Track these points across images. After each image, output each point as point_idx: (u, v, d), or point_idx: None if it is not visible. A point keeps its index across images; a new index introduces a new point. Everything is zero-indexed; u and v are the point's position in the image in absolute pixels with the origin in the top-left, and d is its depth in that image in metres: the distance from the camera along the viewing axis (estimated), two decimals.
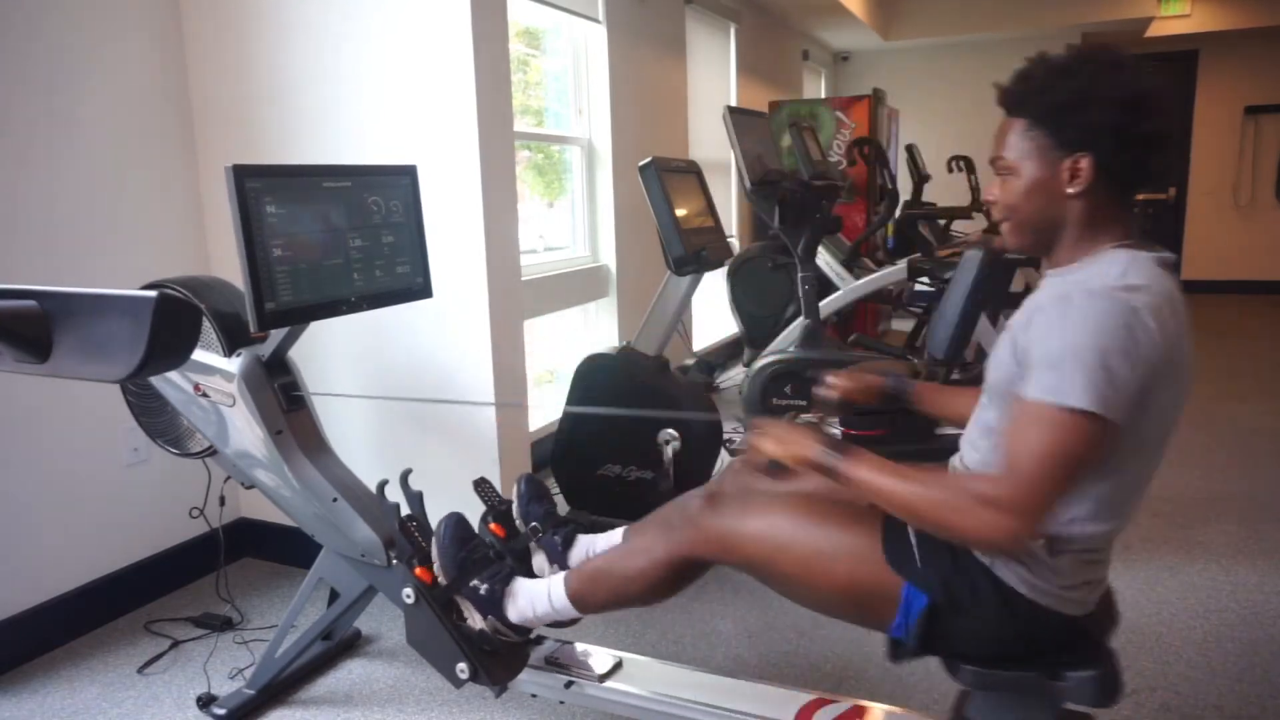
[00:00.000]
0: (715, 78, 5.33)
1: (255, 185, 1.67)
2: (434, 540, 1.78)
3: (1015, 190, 1.27)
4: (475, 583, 1.73)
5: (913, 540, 1.32)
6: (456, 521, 1.79)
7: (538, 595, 1.68)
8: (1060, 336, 1.12)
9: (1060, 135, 1.21)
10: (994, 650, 1.32)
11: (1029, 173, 1.25)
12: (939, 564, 1.29)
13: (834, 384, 1.63)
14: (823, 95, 7.95)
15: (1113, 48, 1.22)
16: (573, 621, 1.74)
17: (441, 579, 1.75)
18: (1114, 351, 1.09)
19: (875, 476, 1.23)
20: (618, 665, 1.85)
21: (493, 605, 1.70)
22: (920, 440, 2.53)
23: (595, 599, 1.62)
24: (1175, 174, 8.22)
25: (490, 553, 1.80)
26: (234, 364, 1.88)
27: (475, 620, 1.73)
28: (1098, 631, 1.36)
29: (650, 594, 1.58)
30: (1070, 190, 1.22)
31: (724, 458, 2.93)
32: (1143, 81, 1.18)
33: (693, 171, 3.04)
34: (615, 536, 1.74)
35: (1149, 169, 1.21)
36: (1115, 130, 1.17)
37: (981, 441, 1.33)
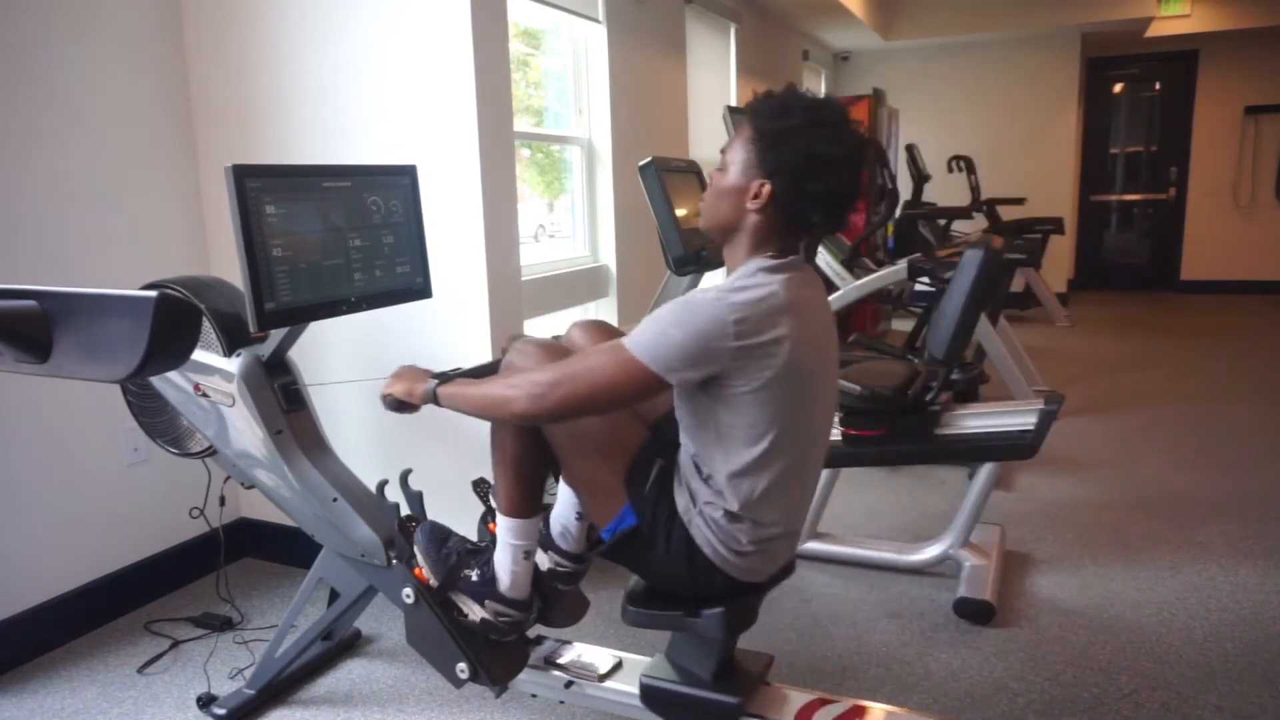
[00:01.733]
0: (715, 78, 5.33)
1: (255, 185, 1.67)
2: (415, 550, 1.79)
3: (719, 185, 1.46)
4: (465, 573, 1.75)
5: (654, 473, 1.50)
6: (431, 527, 1.82)
7: (499, 544, 1.72)
8: (660, 312, 1.35)
9: (760, 157, 1.40)
10: (667, 586, 1.55)
11: (732, 176, 1.44)
12: (659, 502, 1.49)
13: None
14: (823, 95, 7.95)
15: (838, 109, 1.41)
16: (540, 552, 1.77)
17: (434, 581, 1.77)
18: (684, 330, 1.31)
19: (464, 389, 1.50)
20: (618, 665, 1.85)
21: (487, 587, 1.72)
22: (920, 440, 2.53)
23: (505, 492, 1.69)
24: (1174, 174, 8.24)
25: (470, 545, 1.81)
26: (234, 364, 1.88)
27: (475, 612, 1.73)
28: (759, 587, 1.55)
29: (515, 456, 1.67)
30: (749, 205, 1.42)
31: None
32: (837, 149, 1.37)
33: (693, 171, 3.03)
34: (565, 490, 1.78)
35: (808, 219, 1.42)
36: (794, 177, 1.37)
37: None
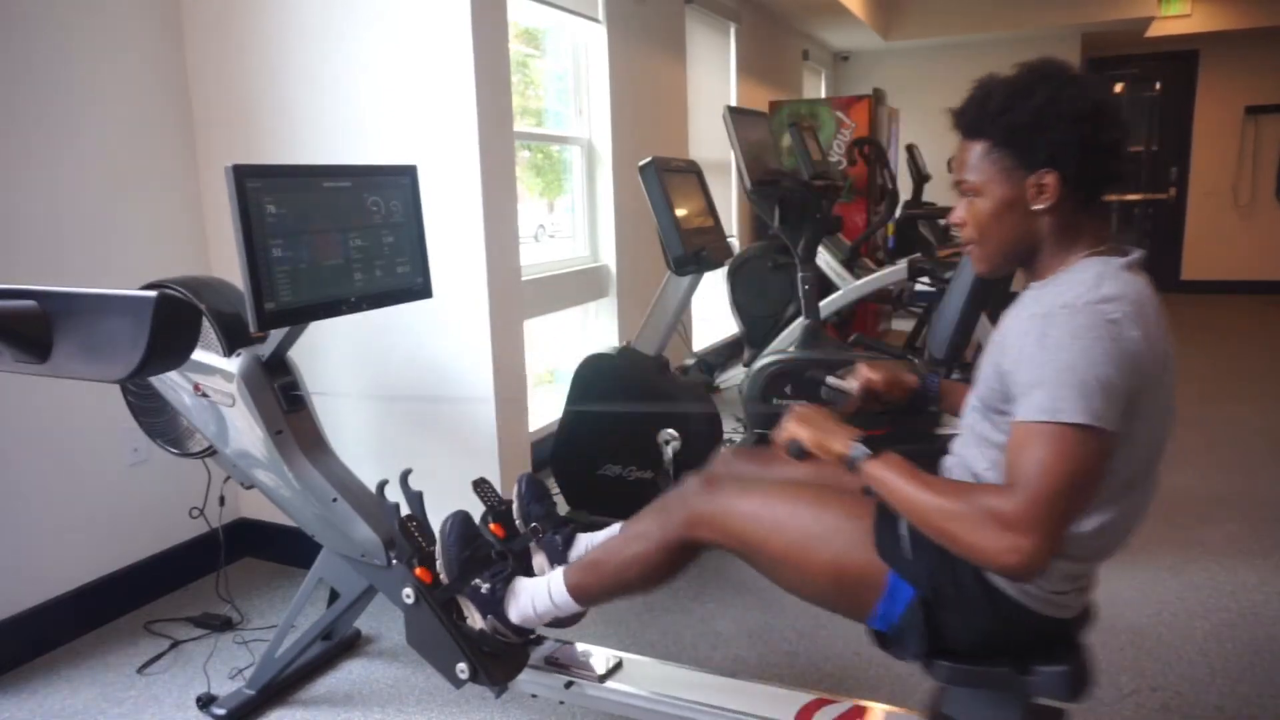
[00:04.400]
0: (715, 78, 5.33)
1: (255, 185, 1.67)
2: (438, 537, 1.78)
3: (983, 212, 1.28)
4: (477, 582, 1.73)
5: (903, 531, 1.32)
6: (463, 520, 1.79)
7: (538, 592, 1.69)
8: (1047, 355, 1.13)
9: (1024, 154, 1.22)
10: (973, 647, 1.33)
11: (996, 194, 1.26)
12: (927, 557, 1.29)
13: (862, 374, 1.61)
14: (823, 95, 7.95)
15: (1060, 62, 1.25)
16: (573, 618, 1.74)
17: (443, 577, 1.76)
18: (1101, 363, 1.11)
19: (896, 480, 1.24)
20: (618, 665, 1.85)
21: (494, 605, 1.71)
22: (921, 440, 2.52)
23: (594, 588, 1.63)
24: (1174, 173, 8.24)
25: (492, 553, 1.80)
26: (234, 364, 1.88)
27: (475, 620, 1.73)
28: (1075, 629, 1.37)
29: (648, 578, 1.59)
30: (1038, 207, 1.24)
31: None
32: (1098, 92, 1.21)
33: (693, 171, 3.03)
34: (613, 532, 1.75)
35: (1113, 175, 1.24)
36: (1079, 143, 1.20)
37: (973, 451, 1.34)
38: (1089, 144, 1.20)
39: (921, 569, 1.30)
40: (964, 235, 1.33)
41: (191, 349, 1.36)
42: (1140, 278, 1.22)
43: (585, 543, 1.79)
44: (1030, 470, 1.11)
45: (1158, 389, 1.18)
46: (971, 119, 1.27)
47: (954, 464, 1.40)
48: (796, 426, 1.38)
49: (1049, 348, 1.13)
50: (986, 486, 1.21)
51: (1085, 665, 1.33)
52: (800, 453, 1.37)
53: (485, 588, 1.72)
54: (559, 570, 1.68)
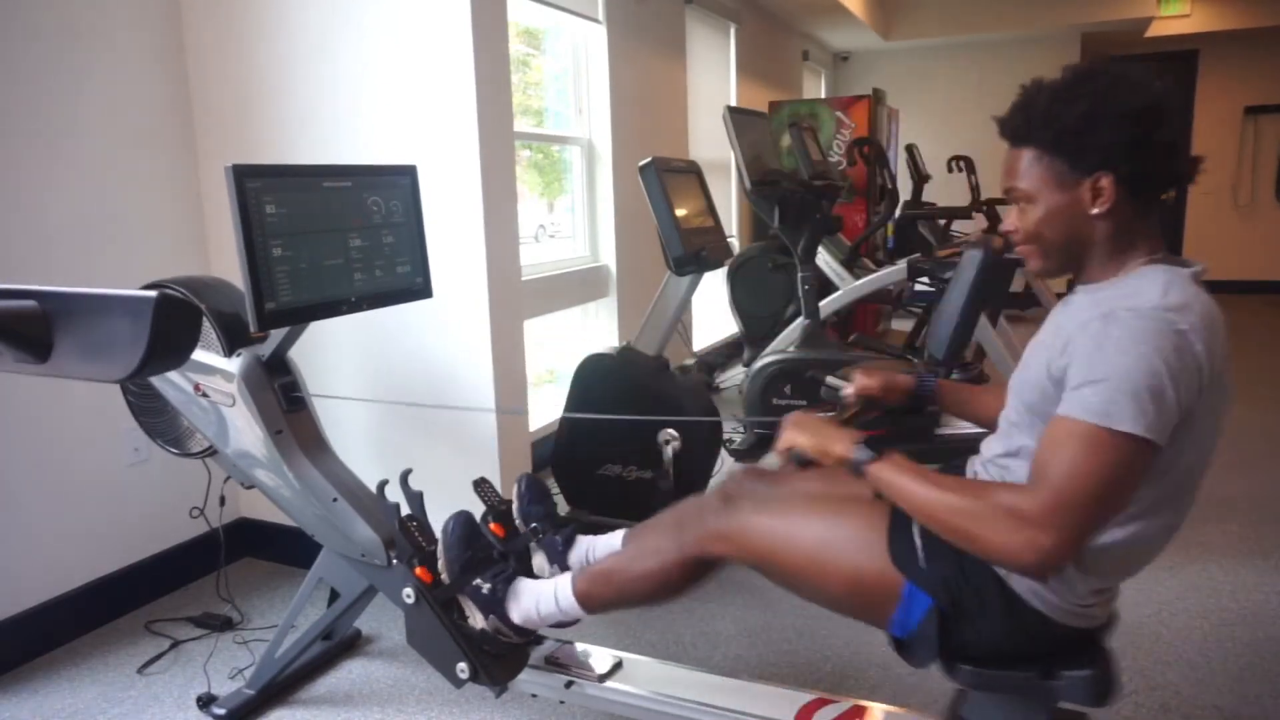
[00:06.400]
0: (715, 78, 5.34)
1: (255, 185, 1.67)
2: (440, 536, 1.78)
3: (1035, 219, 1.24)
4: (478, 581, 1.74)
5: (917, 540, 1.31)
6: (466, 520, 1.79)
7: (543, 595, 1.68)
8: (1107, 356, 1.09)
9: (1075, 159, 1.19)
10: (994, 655, 1.31)
11: (1048, 200, 1.22)
12: (944, 565, 1.27)
13: (858, 382, 1.61)
14: (823, 95, 7.95)
15: (1109, 60, 1.22)
16: (574, 621, 1.74)
17: (445, 576, 1.76)
18: (1163, 375, 1.07)
19: (903, 480, 1.21)
20: (618, 665, 1.85)
21: (495, 605, 1.71)
22: (920, 440, 2.53)
23: (603, 599, 1.63)
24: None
25: (494, 553, 1.80)
26: (234, 364, 1.88)
27: (477, 620, 1.73)
28: (1099, 636, 1.36)
29: (660, 593, 1.60)
30: (1094, 211, 1.20)
31: (724, 458, 2.92)
32: (1148, 90, 1.17)
33: (693, 171, 3.03)
34: (615, 539, 1.75)
35: (1171, 174, 1.20)
36: (1132, 145, 1.16)
37: (1009, 461, 1.31)
38: (1142, 143, 1.15)
39: (937, 578, 1.28)
40: (1016, 240, 1.29)
41: (192, 349, 1.36)
42: (1205, 292, 1.17)
43: (585, 545, 1.79)
44: (1061, 469, 1.09)
45: (1212, 409, 1.15)
46: (1017, 126, 1.23)
47: (988, 468, 1.37)
48: (795, 433, 1.36)
49: (1108, 349, 1.09)
50: (1004, 484, 1.20)
51: (1110, 670, 1.31)
52: (802, 460, 1.35)
53: (486, 587, 1.72)
54: (566, 576, 1.68)
